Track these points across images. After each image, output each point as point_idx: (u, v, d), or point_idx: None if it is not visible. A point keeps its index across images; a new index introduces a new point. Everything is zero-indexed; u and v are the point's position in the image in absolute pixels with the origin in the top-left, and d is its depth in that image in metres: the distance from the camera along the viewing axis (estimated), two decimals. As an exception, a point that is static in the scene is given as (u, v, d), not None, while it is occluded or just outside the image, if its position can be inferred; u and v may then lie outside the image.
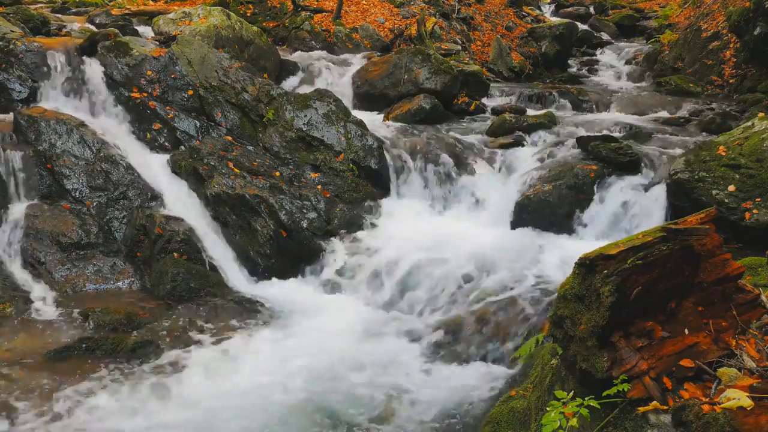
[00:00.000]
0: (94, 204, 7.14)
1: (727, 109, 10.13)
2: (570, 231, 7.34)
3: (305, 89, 9.91)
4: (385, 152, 8.34)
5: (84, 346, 5.53)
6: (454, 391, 5.11)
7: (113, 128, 7.98)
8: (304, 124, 8.34)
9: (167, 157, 7.84)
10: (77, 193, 7.16)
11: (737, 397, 2.30)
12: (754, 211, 6.32)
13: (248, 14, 13.79)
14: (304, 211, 7.43)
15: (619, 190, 7.39)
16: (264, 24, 13.52)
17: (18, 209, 6.89)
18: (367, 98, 10.73)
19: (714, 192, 6.56)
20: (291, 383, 5.12)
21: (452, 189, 8.25)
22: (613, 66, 15.01)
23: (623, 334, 2.59)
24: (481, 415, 4.61)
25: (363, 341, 5.91)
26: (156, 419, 4.70)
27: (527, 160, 8.40)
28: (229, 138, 8.13)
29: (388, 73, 10.70)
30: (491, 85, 11.81)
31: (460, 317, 6.06)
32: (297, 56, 12.27)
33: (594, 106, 11.11)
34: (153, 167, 7.68)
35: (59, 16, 12.09)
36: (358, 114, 9.13)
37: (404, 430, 4.69)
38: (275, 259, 7.13)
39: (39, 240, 6.72)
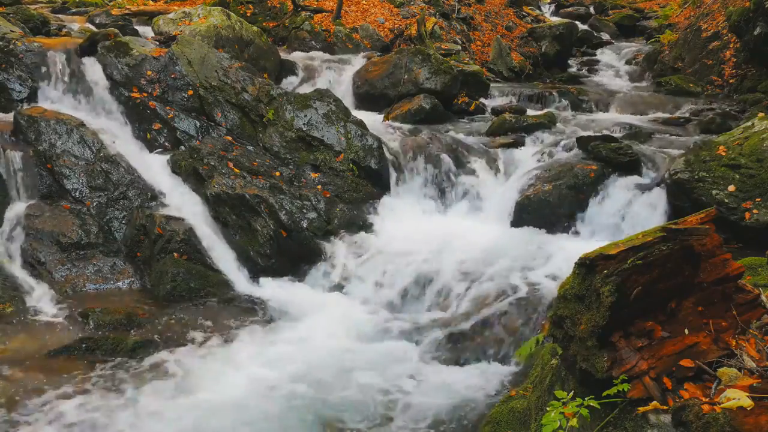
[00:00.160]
0: (94, 204, 7.14)
1: (727, 109, 10.13)
2: (570, 231, 7.34)
3: (305, 89, 9.92)
4: (385, 152, 8.34)
5: (84, 346, 5.53)
6: (454, 391, 5.11)
7: (113, 128, 7.98)
8: (304, 124, 8.34)
9: (167, 157, 7.84)
10: (77, 193, 7.16)
11: (737, 397, 2.30)
12: (754, 211, 6.32)
13: (248, 14, 13.79)
14: (304, 211, 7.43)
15: (619, 190, 7.39)
16: (264, 24, 13.52)
17: (18, 209, 6.89)
18: (367, 98, 10.73)
19: (714, 192, 6.56)
20: (290, 384, 5.12)
21: (452, 189, 8.25)
22: (613, 66, 15.01)
23: (623, 334, 2.59)
24: (481, 415, 4.61)
25: (363, 341, 5.91)
26: (156, 419, 4.69)
27: (527, 160, 8.40)
28: (229, 138, 8.13)
29: (388, 73, 10.70)
30: (491, 85, 11.82)
31: (460, 317, 6.06)
32: (297, 56, 12.27)
33: (594, 106, 11.11)
34: (153, 167, 7.68)
35: (59, 16, 12.10)
36: (358, 114, 9.13)
37: (404, 431, 4.69)
38: (275, 259, 7.13)
39: (39, 240, 6.72)
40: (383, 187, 8.19)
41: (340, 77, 11.27)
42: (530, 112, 10.30)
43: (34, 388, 4.95)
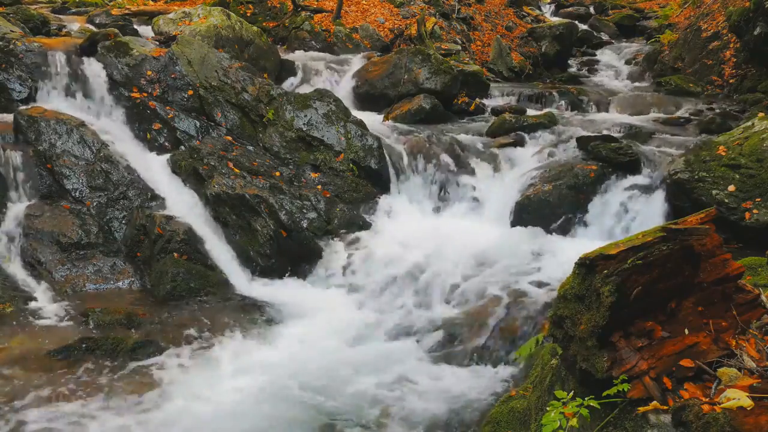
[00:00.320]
0: (94, 204, 7.14)
1: (727, 109, 10.13)
2: (570, 231, 7.35)
3: (305, 89, 9.91)
4: (385, 152, 8.34)
5: (84, 346, 5.53)
6: (454, 391, 5.11)
7: (113, 128, 7.98)
8: (304, 124, 8.34)
9: (167, 157, 7.84)
10: (77, 193, 7.16)
11: (737, 397, 2.30)
12: (754, 211, 6.32)
13: (248, 14, 13.79)
14: (304, 211, 7.43)
15: (619, 190, 7.39)
16: (264, 24, 13.53)
17: (18, 209, 6.89)
18: (367, 98, 10.73)
19: (714, 192, 6.56)
20: (290, 385, 5.12)
21: (452, 189, 8.25)
22: (613, 66, 15.00)
23: (623, 334, 2.59)
24: (481, 415, 4.61)
25: (363, 341, 5.91)
26: (156, 419, 4.69)
27: (527, 160, 8.40)
28: (229, 138, 8.13)
29: (388, 73, 10.70)
30: (491, 85, 11.82)
31: (460, 317, 6.06)
32: (297, 56, 12.27)
33: (594, 106, 11.11)
34: (153, 167, 7.68)
35: (59, 16, 12.11)
36: (358, 114, 9.13)
37: (404, 431, 4.69)
38: (275, 259, 7.13)
39: (39, 240, 6.72)
40: (383, 187, 8.19)
41: (340, 77, 11.27)
42: (530, 112, 10.30)
43: (34, 388, 4.94)
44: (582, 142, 8.10)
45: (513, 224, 7.57)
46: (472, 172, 8.33)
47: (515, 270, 6.47)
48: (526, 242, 7.11)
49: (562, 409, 2.57)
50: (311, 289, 6.94)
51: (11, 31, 8.59)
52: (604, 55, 16.09)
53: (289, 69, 11.48)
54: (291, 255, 7.16)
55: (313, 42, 13.31)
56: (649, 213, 7.06)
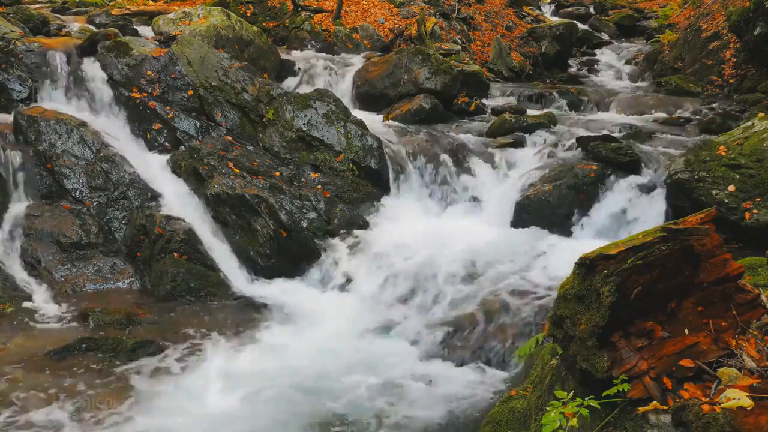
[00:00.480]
0: (94, 204, 7.14)
1: (727, 109, 10.13)
2: (570, 231, 7.35)
3: (305, 89, 9.91)
4: (385, 152, 8.34)
5: (84, 346, 5.53)
6: (454, 392, 5.11)
7: (113, 128, 7.98)
8: (304, 124, 8.34)
9: (167, 157, 7.84)
10: (77, 193, 7.16)
11: (737, 397, 2.30)
12: (754, 211, 6.32)
13: (248, 14, 13.79)
14: (304, 211, 7.43)
15: (619, 190, 7.40)
16: (264, 24, 13.52)
17: (18, 209, 6.89)
18: (367, 98, 10.73)
19: (714, 192, 6.56)
20: (290, 385, 5.12)
21: (452, 189, 8.25)
22: (613, 66, 15.00)
23: (623, 334, 2.59)
24: (481, 415, 4.61)
25: (363, 342, 5.91)
26: (155, 419, 4.69)
27: (527, 160, 8.40)
28: (229, 138, 8.13)
29: (388, 73, 10.70)
30: (491, 85, 11.82)
31: (460, 317, 6.05)
32: (297, 56, 12.26)
33: (594, 106, 11.11)
34: (153, 167, 7.68)
35: (59, 16, 12.09)
36: (358, 114, 9.13)
37: (404, 431, 4.69)
38: (275, 259, 7.13)
39: (39, 240, 6.72)
40: (383, 187, 8.19)
41: (340, 77, 11.26)
42: (530, 112, 10.30)
43: (34, 388, 4.94)
44: (582, 142, 8.10)
45: (513, 224, 7.57)
46: (472, 173, 8.33)
47: (515, 270, 6.47)
48: (526, 242, 7.11)
49: (562, 409, 2.57)
50: (311, 289, 6.94)
51: (11, 31, 8.59)
52: (604, 55, 16.09)
53: (289, 69, 11.47)
54: (291, 255, 7.16)
55: (313, 42, 13.31)
56: (649, 213, 7.06)
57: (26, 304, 6.17)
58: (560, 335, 2.80)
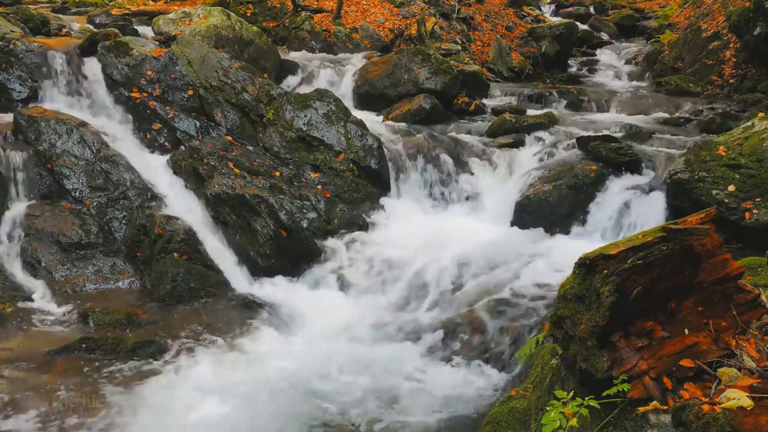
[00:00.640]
0: (94, 204, 7.14)
1: (727, 109, 10.13)
2: (570, 231, 7.35)
3: (305, 89, 9.91)
4: (385, 152, 8.34)
5: (84, 346, 5.53)
6: (453, 392, 5.11)
7: (113, 128, 7.98)
8: (304, 124, 8.34)
9: (167, 157, 7.84)
10: (77, 193, 7.16)
11: (737, 397, 2.30)
12: (754, 211, 6.32)
13: (248, 14, 13.79)
14: (304, 211, 7.43)
15: (619, 190, 7.39)
16: (264, 24, 13.52)
17: (18, 209, 6.89)
18: (367, 98, 10.73)
19: (714, 192, 6.56)
20: (290, 385, 5.12)
21: (452, 189, 8.25)
22: (613, 66, 15.00)
23: (623, 334, 2.59)
24: (481, 415, 4.61)
25: (362, 342, 5.91)
26: (155, 419, 4.69)
27: (527, 160, 8.41)
28: (229, 138, 8.12)
29: (388, 73, 10.69)
30: (491, 85, 11.82)
31: (460, 317, 6.05)
32: (297, 56, 12.27)
33: (594, 106, 11.11)
34: (153, 167, 7.68)
35: (59, 16, 12.10)
36: (358, 114, 9.13)
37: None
38: (275, 259, 7.13)
39: (39, 240, 6.72)
40: (383, 187, 8.19)
41: (340, 77, 11.26)
42: (530, 112, 10.29)
43: (34, 388, 4.94)
44: (582, 142, 8.10)
45: (513, 224, 7.57)
46: (471, 173, 8.33)
47: (515, 270, 6.47)
48: (526, 242, 7.12)
49: (562, 409, 2.57)
50: (311, 289, 6.93)
51: (11, 31, 8.59)
52: (604, 55, 16.10)
53: (289, 69, 11.47)
54: (291, 255, 7.16)
55: (313, 42, 13.31)
56: (649, 213, 7.06)
57: (26, 304, 6.17)
58: (560, 335, 2.80)
